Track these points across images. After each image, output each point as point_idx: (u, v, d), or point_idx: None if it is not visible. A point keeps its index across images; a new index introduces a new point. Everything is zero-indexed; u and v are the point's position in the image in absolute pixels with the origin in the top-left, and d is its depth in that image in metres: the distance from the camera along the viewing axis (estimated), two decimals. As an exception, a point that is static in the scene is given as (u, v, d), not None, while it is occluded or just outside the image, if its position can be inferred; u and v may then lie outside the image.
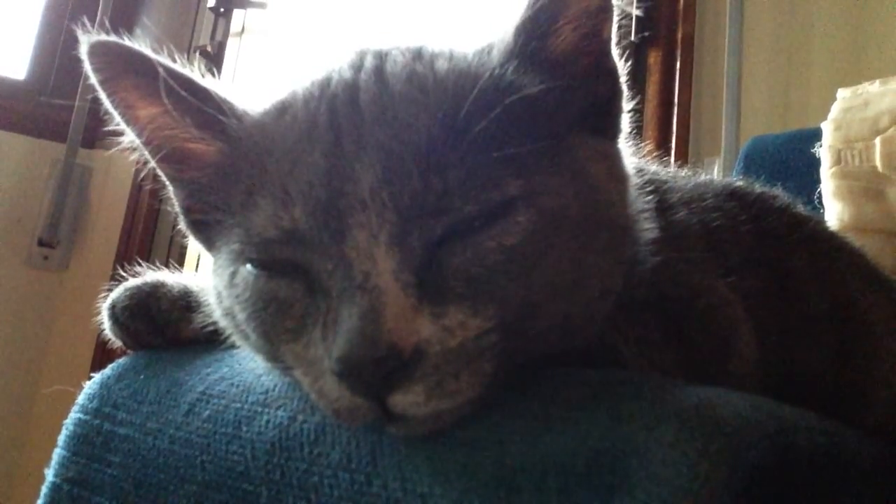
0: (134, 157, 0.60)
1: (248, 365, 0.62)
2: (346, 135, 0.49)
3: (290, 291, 0.50)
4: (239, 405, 0.58)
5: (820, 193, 1.47)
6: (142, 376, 0.66)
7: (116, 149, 0.61)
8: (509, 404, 0.48)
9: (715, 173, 1.83)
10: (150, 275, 0.71)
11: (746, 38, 2.07)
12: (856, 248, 0.92)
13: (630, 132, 0.60)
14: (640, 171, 0.66)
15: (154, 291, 0.69)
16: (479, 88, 0.49)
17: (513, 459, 0.45)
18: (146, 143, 0.59)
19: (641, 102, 2.10)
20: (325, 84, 0.53)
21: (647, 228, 0.58)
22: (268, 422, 0.55)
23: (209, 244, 0.58)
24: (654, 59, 2.11)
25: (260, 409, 0.56)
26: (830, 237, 0.89)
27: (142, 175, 0.62)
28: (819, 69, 2.00)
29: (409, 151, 0.47)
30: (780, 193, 0.89)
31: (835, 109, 1.56)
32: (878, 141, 1.52)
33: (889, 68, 1.74)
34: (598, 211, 0.52)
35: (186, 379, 0.63)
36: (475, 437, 0.47)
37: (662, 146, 1.97)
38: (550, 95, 0.51)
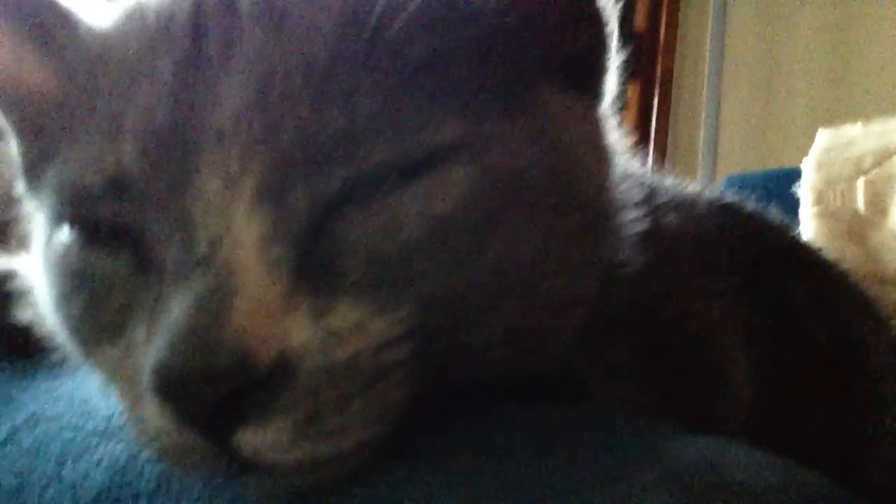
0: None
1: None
2: (211, 36, 0.32)
3: (111, 268, 0.33)
4: (71, 434, 0.41)
5: (799, 235, 1.38)
6: (-34, 389, 0.48)
7: None
8: (427, 453, 0.31)
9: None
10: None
11: (726, 76, 1.98)
12: (857, 283, 0.78)
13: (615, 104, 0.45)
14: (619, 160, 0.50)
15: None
16: None
17: (426, 536, 0.29)
18: None
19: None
20: None
21: (633, 220, 0.42)
22: (99, 460, 0.38)
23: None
24: (631, 92, 1.99)
25: (95, 441, 0.39)
26: (832, 268, 0.75)
27: None
28: (798, 109, 1.91)
29: (300, 64, 0.31)
30: (774, 214, 0.75)
31: (816, 148, 1.50)
32: (860, 182, 1.46)
33: (870, 110, 1.67)
34: (570, 184, 0.36)
35: (18, 395, 0.46)
36: (375, 500, 0.31)
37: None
38: (512, 22, 0.36)
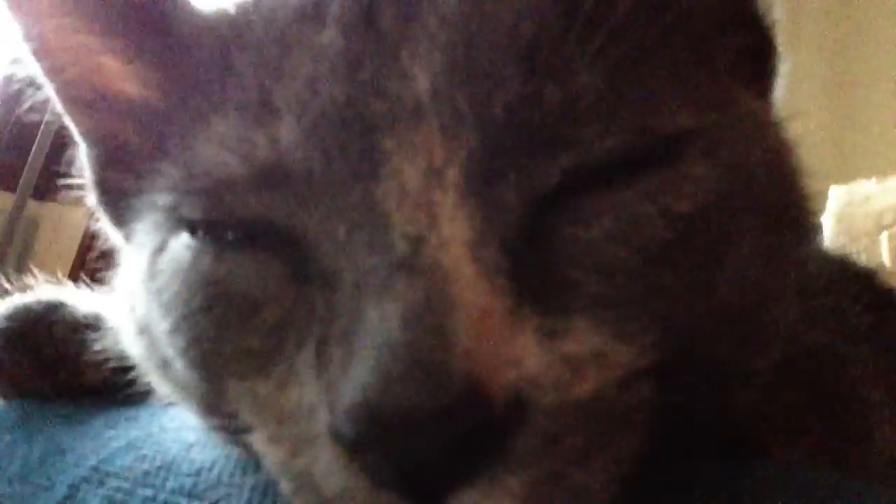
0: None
1: (176, 430, 0.38)
2: (384, 1, 0.26)
3: (257, 279, 0.26)
4: (150, 492, 0.33)
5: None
6: (8, 436, 0.40)
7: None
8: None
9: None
10: (46, 290, 0.46)
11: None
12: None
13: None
14: None
15: (47, 314, 0.44)
16: None
17: None
18: (53, 72, 0.36)
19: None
20: None
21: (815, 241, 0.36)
22: (196, 525, 0.30)
23: (125, 224, 0.34)
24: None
25: (183, 502, 0.32)
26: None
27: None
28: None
29: (502, 34, 0.25)
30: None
31: (834, 204, 1.48)
32: (884, 236, 1.45)
33: (875, 167, 1.68)
34: (784, 194, 0.30)
35: (75, 445, 0.38)
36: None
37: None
38: (716, 18, 0.31)
